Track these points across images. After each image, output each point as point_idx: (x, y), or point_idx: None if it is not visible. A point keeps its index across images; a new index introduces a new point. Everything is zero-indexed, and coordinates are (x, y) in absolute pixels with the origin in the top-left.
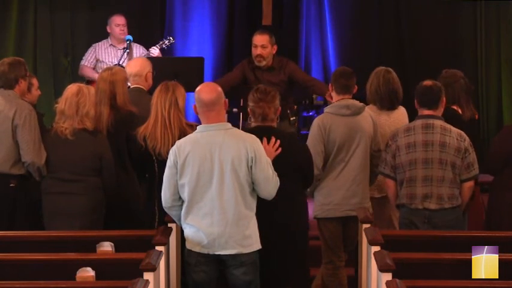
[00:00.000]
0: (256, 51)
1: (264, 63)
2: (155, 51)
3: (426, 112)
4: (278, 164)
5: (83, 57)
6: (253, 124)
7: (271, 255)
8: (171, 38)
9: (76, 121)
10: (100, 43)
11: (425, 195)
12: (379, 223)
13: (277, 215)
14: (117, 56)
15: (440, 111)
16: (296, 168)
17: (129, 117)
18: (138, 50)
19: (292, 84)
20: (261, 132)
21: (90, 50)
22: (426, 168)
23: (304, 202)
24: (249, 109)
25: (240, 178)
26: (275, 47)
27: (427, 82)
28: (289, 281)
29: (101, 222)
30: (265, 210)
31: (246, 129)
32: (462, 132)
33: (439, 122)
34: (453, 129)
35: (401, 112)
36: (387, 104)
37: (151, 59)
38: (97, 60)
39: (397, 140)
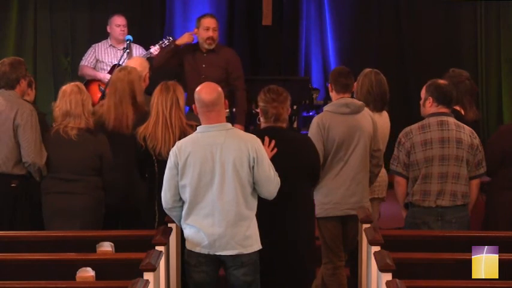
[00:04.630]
0: (208, 34)
1: (213, 45)
2: (155, 51)
3: (442, 109)
4: (289, 165)
5: (83, 58)
6: (263, 124)
7: (277, 255)
8: (170, 37)
9: (83, 120)
10: (100, 44)
11: (439, 192)
12: None
13: (284, 217)
14: (116, 56)
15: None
16: (307, 171)
17: (147, 117)
18: (137, 50)
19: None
20: (273, 133)
21: (90, 51)
22: (442, 165)
23: (312, 204)
24: (259, 109)
25: (241, 178)
26: (218, 31)
27: (443, 81)
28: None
29: (100, 222)
30: (272, 211)
31: (257, 130)
32: (472, 130)
33: (452, 119)
34: (465, 126)
35: (386, 115)
36: (380, 105)
37: (150, 59)
38: (97, 61)
39: (412, 137)
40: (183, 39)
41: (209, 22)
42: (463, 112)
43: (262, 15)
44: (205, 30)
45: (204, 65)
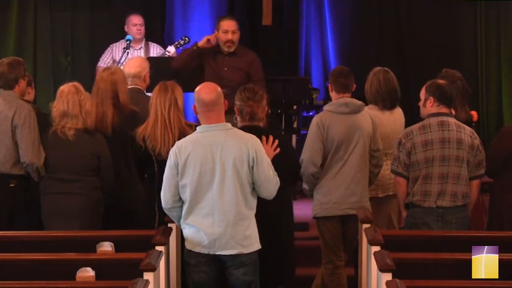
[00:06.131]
0: (227, 37)
1: (233, 48)
2: (171, 49)
3: (443, 110)
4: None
5: (100, 59)
6: (240, 124)
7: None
8: (186, 37)
9: (81, 120)
10: (117, 43)
11: (440, 192)
12: (379, 223)
13: (266, 215)
14: (133, 56)
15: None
16: (286, 170)
17: (133, 117)
18: (155, 49)
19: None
20: (249, 132)
21: (107, 51)
22: (443, 165)
23: (290, 202)
24: (235, 108)
25: (241, 178)
26: (239, 33)
27: (442, 81)
28: (278, 279)
29: (99, 222)
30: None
31: None
32: (473, 130)
33: (452, 120)
34: (466, 126)
35: (399, 112)
36: (389, 103)
37: (150, 59)
38: (113, 61)
39: (413, 137)
40: (204, 42)
41: (228, 25)
42: (453, 112)
43: (262, 15)
44: (224, 33)
45: (225, 68)
